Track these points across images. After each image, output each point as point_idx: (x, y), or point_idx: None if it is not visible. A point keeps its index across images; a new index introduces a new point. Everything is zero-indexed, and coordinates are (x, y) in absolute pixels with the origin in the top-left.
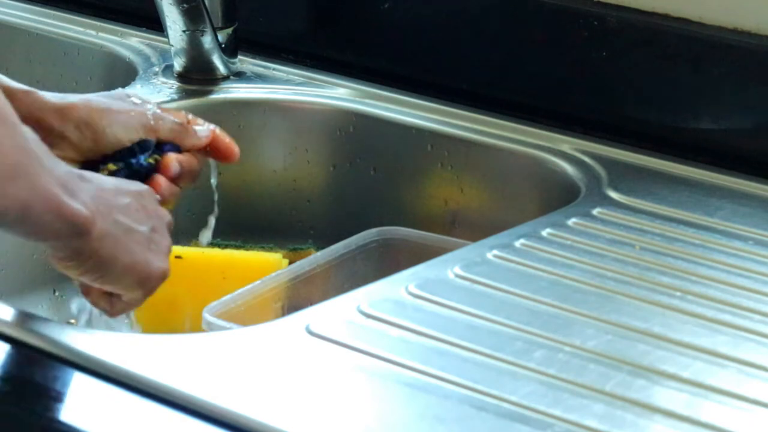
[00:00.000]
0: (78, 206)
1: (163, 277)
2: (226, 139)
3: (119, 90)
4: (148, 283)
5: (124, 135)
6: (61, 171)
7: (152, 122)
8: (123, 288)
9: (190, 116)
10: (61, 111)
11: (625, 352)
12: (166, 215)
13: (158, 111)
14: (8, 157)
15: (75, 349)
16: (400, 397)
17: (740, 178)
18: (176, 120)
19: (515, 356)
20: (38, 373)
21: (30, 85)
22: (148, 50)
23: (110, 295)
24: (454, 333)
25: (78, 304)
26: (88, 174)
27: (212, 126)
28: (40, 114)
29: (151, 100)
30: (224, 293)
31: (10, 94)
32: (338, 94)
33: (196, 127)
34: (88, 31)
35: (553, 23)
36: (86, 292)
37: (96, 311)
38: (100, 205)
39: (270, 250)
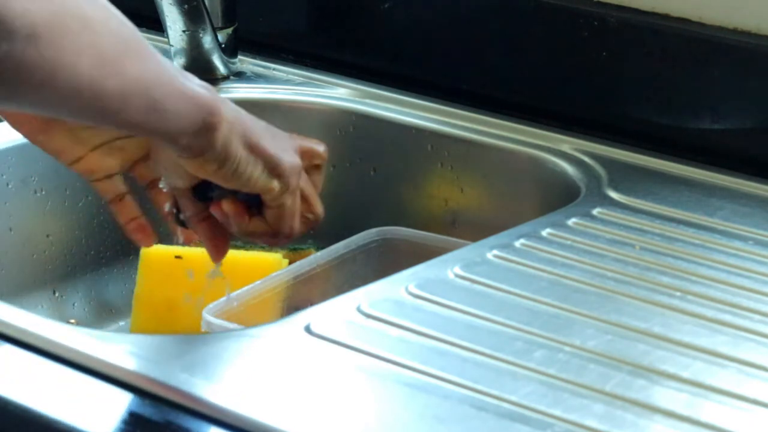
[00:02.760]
0: (202, 90)
1: (296, 170)
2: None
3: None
4: (283, 172)
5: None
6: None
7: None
8: (258, 182)
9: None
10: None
11: (625, 352)
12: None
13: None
14: (121, 36)
15: (75, 349)
16: (400, 397)
17: (740, 178)
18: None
19: (515, 356)
20: (38, 374)
21: None
22: None
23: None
24: (454, 333)
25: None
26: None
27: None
28: None
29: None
30: (224, 293)
31: None
32: (338, 94)
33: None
34: None
35: (553, 23)
36: (247, 233)
37: None
38: (224, 104)
39: (270, 250)
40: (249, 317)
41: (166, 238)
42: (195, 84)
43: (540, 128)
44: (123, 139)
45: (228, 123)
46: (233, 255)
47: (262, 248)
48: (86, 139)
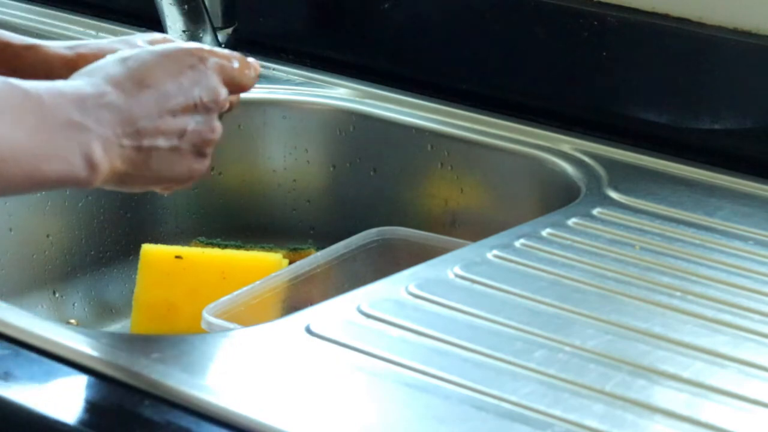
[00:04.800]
0: (65, 167)
1: (201, 175)
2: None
3: (136, 35)
4: (187, 183)
5: None
6: (65, 111)
7: None
8: (161, 190)
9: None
10: (71, 63)
11: (625, 352)
12: (216, 92)
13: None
14: None
15: (75, 349)
16: (400, 397)
17: (740, 178)
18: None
19: (515, 356)
20: (38, 374)
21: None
22: None
23: None
24: (454, 333)
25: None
26: (116, 89)
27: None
28: (47, 68)
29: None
30: (224, 293)
31: (12, 50)
32: (338, 94)
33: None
34: (88, 31)
35: (553, 23)
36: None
37: None
38: (122, 135)
39: (270, 250)
40: (249, 317)
41: (167, 238)
42: (62, 157)
43: (540, 128)
44: None
45: (107, 167)
46: (233, 255)
47: (262, 248)
48: None
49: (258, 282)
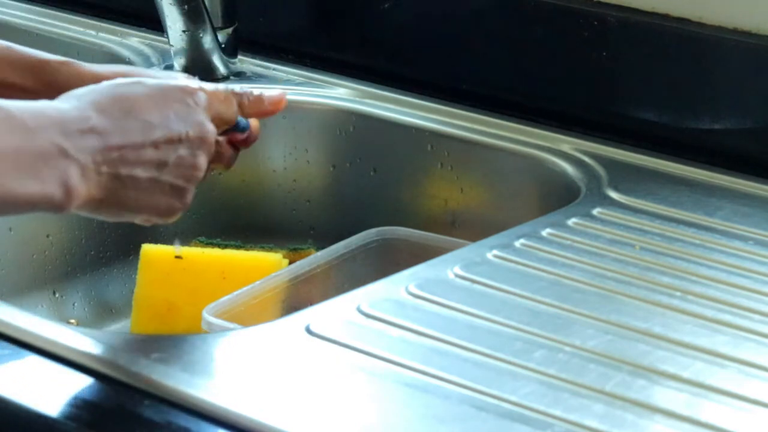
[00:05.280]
0: (45, 189)
1: (180, 212)
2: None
3: (170, 71)
4: (166, 219)
5: None
6: (46, 134)
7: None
8: (140, 221)
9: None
10: (102, 80)
11: (625, 352)
12: (202, 128)
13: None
14: None
15: (75, 349)
16: (400, 397)
17: (740, 178)
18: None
19: (515, 356)
20: (38, 374)
21: None
22: (148, 50)
23: None
24: (454, 333)
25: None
26: (101, 115)
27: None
28: (78, 85)
29: (203, 83)
30: (224, 293)
31: (46, 66)
32: (338, 94)
33: (266, 93)
34: (88, 31)
35: (553, 23)
36: None
37: None
38: (101, 162)
39: (270, 250)
40: (249, 317)
41: (167, 238)
42: (38, 178)
43: (540, 128)
44: None
45: (87, 192)
46: (233, 255)
47: (262, 248)
48: None
49: (258, 282)
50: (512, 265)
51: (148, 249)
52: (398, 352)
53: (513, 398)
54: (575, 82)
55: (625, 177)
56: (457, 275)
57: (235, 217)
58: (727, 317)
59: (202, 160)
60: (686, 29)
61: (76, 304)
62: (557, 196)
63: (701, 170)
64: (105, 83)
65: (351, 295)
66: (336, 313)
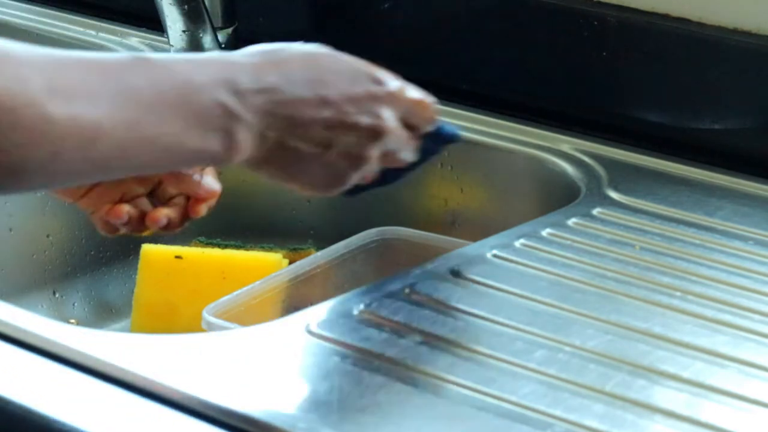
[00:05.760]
0: (209, 145)
1: (339, 192)
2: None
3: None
4: (326, 193)
5: None
6: (213, 95)
7: None
8: (299, 190)
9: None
10: None
11: (625, 352)
12: (380, 121)
13: None
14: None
15: (75, 349)
16: (400, 397)
17: (740, 178)
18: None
19: (515, 356)
20: (38, 374)
21: None
22: (148, 50)
23: None
24: (454, 333)
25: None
26: (276, 73)
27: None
28: None
29: (401, 81)
30: (224, 293)
31: None
32: None
33: (206, 178)
34: (88, 31)
35: (553, 23)
36: None
37: None
38: (268, 127)
39: (270, 250)
40: (249, 317)
41: (166, 238)
42: (204, 134)
43: (540, 128)
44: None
45: (252, 140)
46: (233, 255)
47: (262, 248)
48: None
49: (258, 282)
50: (512, 265)
51: (148, 249)
52: (398, 352)
53: (513, 398)
54: (575, 82)
55: (625, 177)
56: (457, 275)
57: (235, 217)
58: (727, 317)
59: (370, 153)
60: (686, 29)
61: (76, 304)
62: (557, 196)
63: (701, 170)
64: (296, 46)
65: (351, 295)
66: (336, 313)
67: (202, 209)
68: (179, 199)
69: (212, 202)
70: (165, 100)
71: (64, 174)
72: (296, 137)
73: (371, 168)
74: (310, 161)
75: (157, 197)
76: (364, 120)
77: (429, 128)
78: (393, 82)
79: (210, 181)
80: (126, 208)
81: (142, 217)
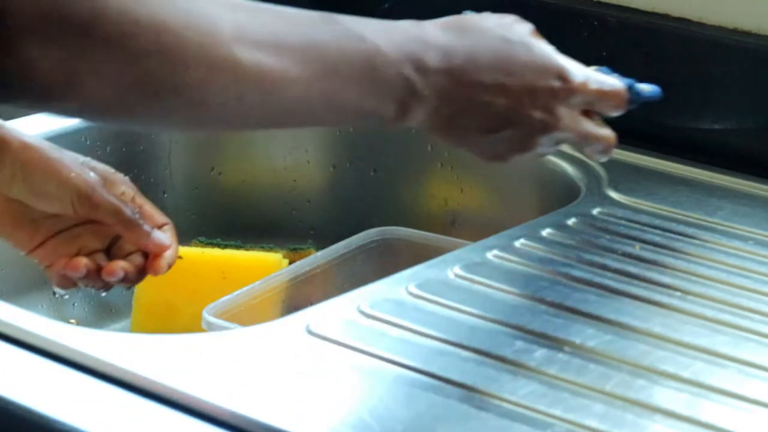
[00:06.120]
0: (383, 110)
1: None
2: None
3: (82, 158)
4: (490, 162)
5: (54, 192)
6: (397, 68)
7: (91, 194)
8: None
9: (147, 206)
10: (27, 152)
11: (625, 352)
12: (553, 120)
13: (101, 188)
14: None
15: (75, 349)
16: (400, 397)
17: (740, 178)
18: (125, 208)
19: (515, 356)
20: (38, 374)
21: None
22: None
23: None
24: (454, 333)
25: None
26: (464, 56)
27: (169, 236)
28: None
29: (118, 176)
30: (224, 293)
31: None
32: None
33: (156, 232)
34: None
35: (553, 23)
36: None
37: None
38: (444, 104)
39: (270, 250)
40: (249, 317)
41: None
42: (380, 101)
43: None
44: (80, 226)
45: (428, 105)
46: (233, 255)
47: (262, 248)
48: (46, 227)
49: (258, 282)
50: (512, 265)
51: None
52: (398, 352)
53: (513, 398)
54: None
55: (625, 177)
56: (457, 275)
57: (235, 217)
58: (727, 317)
59: (536, 143)
60: (686, 29)
61: (76, 304)
62: (557, 196)
63: (701, 170)
64: (494, 24)
65: (351, 295)
66: (336, 313)
67: (162, 266)
68: (136, 255)
69: (172, 258)
70: (350, 63)
71: (242, 119)
72: (467, 117)
73: (545, 152)
74: (476, 137)
75: (114, 253)
76: (537, 114)
77: (620, 111)
78: (579, 77)
79: (160, 236)
80: (84, 261)
81: (99, 270)
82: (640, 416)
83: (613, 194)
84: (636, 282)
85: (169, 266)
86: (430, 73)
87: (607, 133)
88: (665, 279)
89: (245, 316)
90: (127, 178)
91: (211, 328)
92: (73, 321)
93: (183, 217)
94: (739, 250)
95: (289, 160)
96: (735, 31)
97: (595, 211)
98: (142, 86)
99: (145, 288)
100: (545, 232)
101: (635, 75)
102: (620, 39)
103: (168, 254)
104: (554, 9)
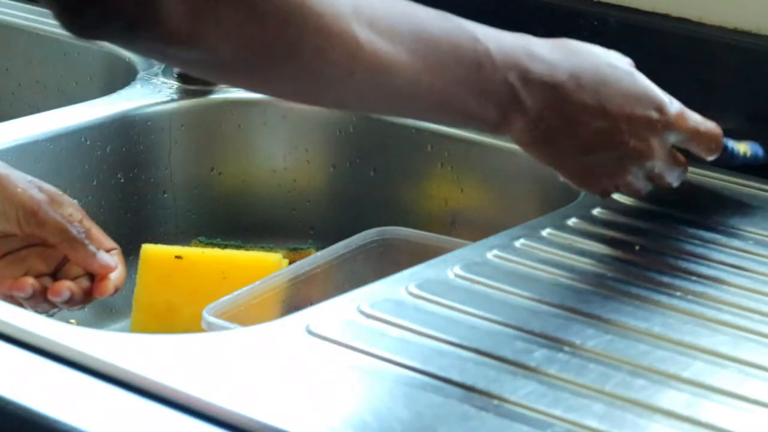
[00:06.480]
0: (485, 113)
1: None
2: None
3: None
4: (580, 188)
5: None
6: (504, 76)
7: (37, 211)
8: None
9: (95, 230)
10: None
11: (625, 352)
12: (646, 150)
13: (47, 205)
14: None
15: (75, 349)
16: (400, 397)
17: (740, 178)
18: (70, 227)
19: (515, 356)
20: (38, 374)
21: (30, 85)
22: None
23: None
24: (454, 333)
25: None
26: (569, 74)
27: (116, 260)
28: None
29: (66, 198)
30: (224, 293)
31: None
32: None
33: (102, 254)
34: None
35: (553, 23)
36: None
37: None
38: (541, 119)
39: (270, 250)
40: (249, 317)
41: (167, 238)
42: (484, 104)
43: None
44: (27, 249)
45: (527, 120)
46: (233, 255)
47: (262, 248)
48: None
49: (258, 282)
50: (512, 265)
51: (148, 249)
52: (398, 352)
53: (513, 398)
54: None
55: None
56: (457, 275)
57: (235, 217)
58: (727, 317)
59: (627, 171)
60: (686, 29)
61: None
62: (557, 196)
63: (701, 170)
64: (599, 51)
65: (351, 295)
66: (336, 313)
67: (108, 288)
68: (83, 279)
69: (119, 281)
70: (459, 61)
71: (350, 96)
72: (564, 135)
73: (634, 183)
74: (572, 158)
75: (60, 277)
76: (632, 142)
77: (714, 156)
78: (675, 110)
79: (106, 257)
80: (30, 281)
81: (45, 292)
82: (640, 416)
83: (613, 194)
84: (636, 282)
85: (116, 289)
86: (534, 84)
87: (681, 158)
88: (665, 279)
89: (245, 316)
90: (75, 202)
91: (211, 328)
92: (73, 321)
93: (183, 217)
94: (739, 250)
95: (289, 160)
96: (735, 31)
97: (595, 211)
98: (261, 45)
99: (145, 288)
100: (545, 232)
101: None
102: (620, 39)
103: (114, 276)
104: (554, 9)
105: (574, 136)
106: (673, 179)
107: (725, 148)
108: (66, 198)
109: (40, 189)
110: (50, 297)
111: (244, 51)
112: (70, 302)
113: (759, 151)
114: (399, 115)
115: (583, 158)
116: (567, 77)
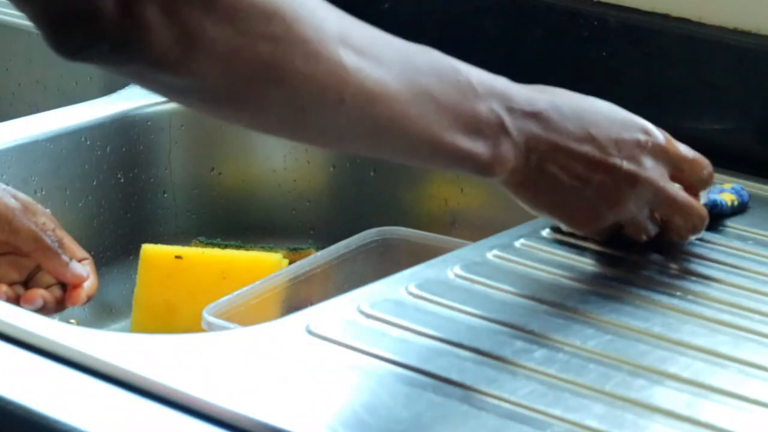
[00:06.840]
0: (476, 148)
1: (598, 230)
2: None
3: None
4: (581, 230)
5: None
6: (488, 105)
7: (11, 218)
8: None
9: (67, 239)
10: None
11: (625, 352)
12: (640, 173)
13: (21, 213)
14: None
15: (75, 349)
16: (400, 397)
17: (740, 178)
18: (44, 236)
19: (515, 356)
20: (38, 374)
21: (30, 85)
22: None
23: None
24: (454, 333)
25: None
26: (548, 102)
27: (88, 269)
28: None
29: (39, 207)
30: (224, 293)
31: None
32: None
33: (75, 263)
34: None
35: (553, 23)
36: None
37: None
38: (532, 150)
39: (270, 250)
40: (249, 317)
41: (167, 238)
42: (473, 137)
43: None
44: (1, 256)
45: (515, 162)
46: (233, 255)
47: (262, 248)
48: None
49: (258, 282)
50: (512, 265)
51: (148, 249)
52: (398, 352)
53: (513, 398)
54: (575, 82)
55: None
56: (457, 275)
57: (235, 217)
58: (727, 317)
59: (625, 197)
60: (686, 29)
61: None
62: None
63: None
64: (572, 92)
65: (351, 295)
66: (336, 313)
67: (81, 297)
68: (55, 287)
69: (91, 291)
70: (444, 91)
71: (339, 128)
72: (556, 165)
73: (637, 217)
74: (568, 193)
75: (32, 286)
76: (625, 164)
77: (705, 197)
78: (662, 134)
79: (79, 267)
80: (4, 288)
81: (17, 300)
82: (640, 416)
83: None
84: (636, 282)
85: (89, 298)
86: (517, 113)
87: (696, 204)
88: (665, 279)
89: (245, 316)
90: (48, 211)
91: (211, 328)
92: (73, 321)
93: (183, 217)
94: (738, 250)
95: (289, 160)
96: (735, 31)
97: None
98: (248, 69)
99: (145, 288)
100: (545, 232)
101: (635, 75)
102: (620, 39)
103: (87, 285)
104: (554, 9)
105: (566, 165)
106: (682, 230)
107: (714, 204)
108: (39, 207)
109: (15, 197)
110: (23, 305)
111: (233, 76)
112: (43, 310)
113: (745, 195)
114: (391, 151)
115: (578, 193)
116: (548, 106)
